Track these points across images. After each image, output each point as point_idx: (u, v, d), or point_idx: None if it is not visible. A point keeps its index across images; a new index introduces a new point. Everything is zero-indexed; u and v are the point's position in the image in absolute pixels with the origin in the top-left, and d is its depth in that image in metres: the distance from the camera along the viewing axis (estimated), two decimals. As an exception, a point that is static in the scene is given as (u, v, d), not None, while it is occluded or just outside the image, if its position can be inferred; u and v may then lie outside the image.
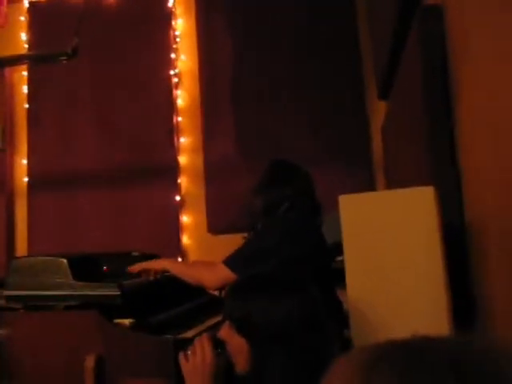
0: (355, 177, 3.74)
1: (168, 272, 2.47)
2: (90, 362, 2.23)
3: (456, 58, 1.89)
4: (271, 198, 2.44)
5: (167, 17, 4.42)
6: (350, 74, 3.94)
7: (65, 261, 2.33)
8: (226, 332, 1.45)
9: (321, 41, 4.03)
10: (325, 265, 2.45)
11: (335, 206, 1.97)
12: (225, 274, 2.20)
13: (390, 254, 1.87)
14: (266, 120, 4.03)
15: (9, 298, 2.41)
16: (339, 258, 2.80)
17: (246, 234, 2.86)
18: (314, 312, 1.43)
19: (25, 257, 2.53)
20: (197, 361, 1.47)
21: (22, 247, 4.58)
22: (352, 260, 1.94)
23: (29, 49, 4.74)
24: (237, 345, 1.42)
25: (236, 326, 1.42)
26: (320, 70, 4.01)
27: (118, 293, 2.26)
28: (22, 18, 4.79)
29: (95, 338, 2.26)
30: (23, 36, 4.78)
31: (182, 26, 4.45)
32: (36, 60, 4.56)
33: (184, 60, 4.39)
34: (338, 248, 2.52)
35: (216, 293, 2.83)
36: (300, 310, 1.40)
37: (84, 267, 2.44)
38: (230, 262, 2.26)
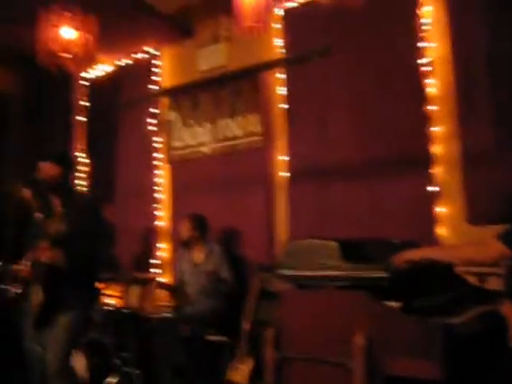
0: None
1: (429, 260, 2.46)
2: (359, 339, 2.33)
3: None
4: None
5: (413, 6, 4.38)
6: None
7: (336, 244, 2.47)
8: (507, 308, 1.44)
9: None
10: None
11: None
12: (501, 250, 2.13)
13: None
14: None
15: (283, 278, 2.64)
16: None
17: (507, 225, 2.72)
18: None
19: (297, 240, 2.72)
20: None
21: (282, 233, 4.95)
22: None
23: (284, 53, 5.08)
24: None
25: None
26: None
27: (387, 275, 2.34)
28: (278, 26, 5.14)
29: (364, 318, 2.36)
30: (278, 42, 5.13)
31: (430, 13, 4.36)
32: (292, 62, 4.90)
33: (434, 47, 4.30)
34: None
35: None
36: None
37: (351, 250, 2.56)
38: (506, 237, 2.19)
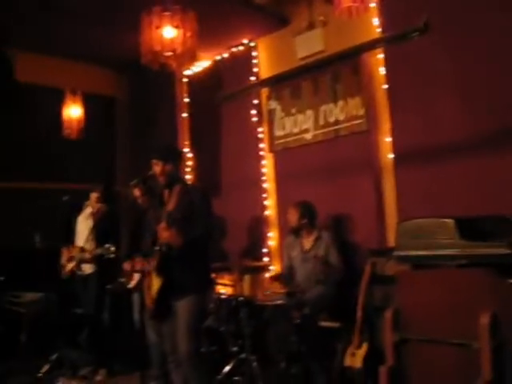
0: None
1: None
2: (484, 319, 2.25)
3: None
4: None
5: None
6: None
7: (452, 222, 2.40)
8: None
9: None
10: None
11: None
12: None
13: None
14: None
15: (399, 258, 2.60)
16: None
17: None
18: None
19: (411, 220, 2.66)
20: None
21: (390, 216, 4.86)
22: None
23: (382, 32, 4.95)
24: None
25: None
26: None
27: (510, 252, 2.24)
28: (373, 5, 5.00)
29: (488, 296, 2.28)
30: (375, 21, 5.01)
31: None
32: (390, 41, 4.77)
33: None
34: None
35: None
36: None
37: (468, 228, 2.48)
38: None
